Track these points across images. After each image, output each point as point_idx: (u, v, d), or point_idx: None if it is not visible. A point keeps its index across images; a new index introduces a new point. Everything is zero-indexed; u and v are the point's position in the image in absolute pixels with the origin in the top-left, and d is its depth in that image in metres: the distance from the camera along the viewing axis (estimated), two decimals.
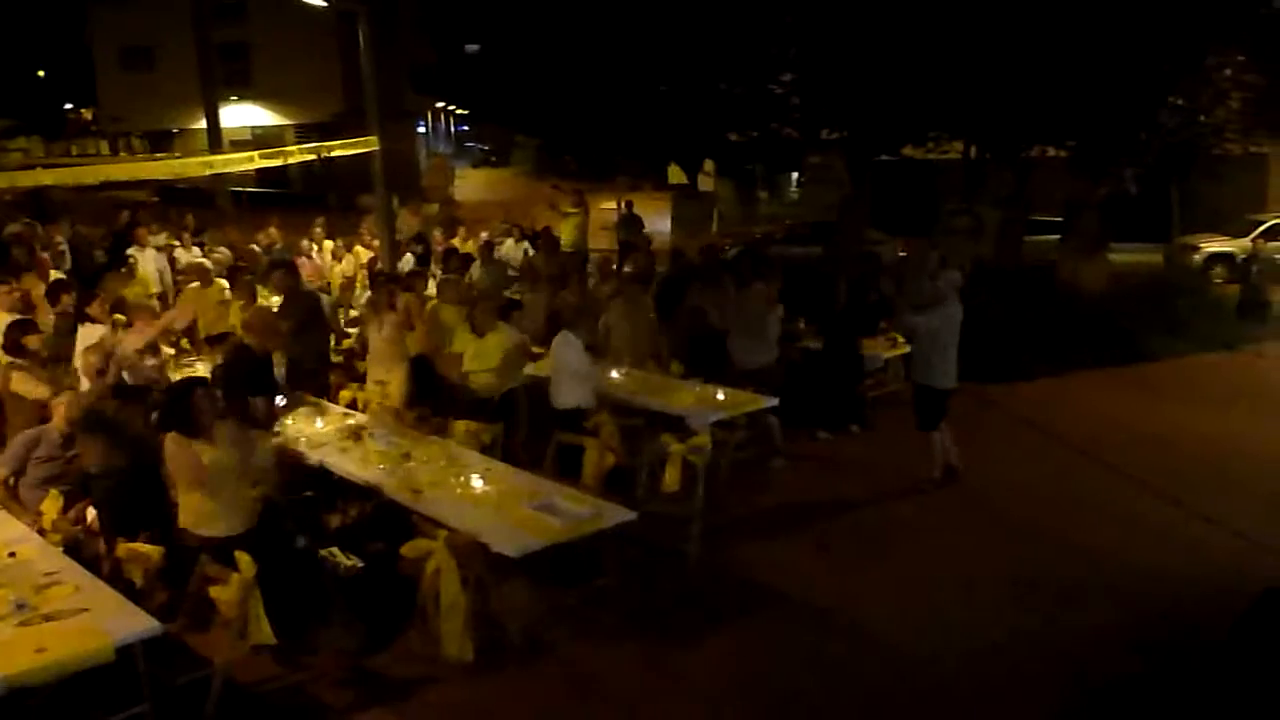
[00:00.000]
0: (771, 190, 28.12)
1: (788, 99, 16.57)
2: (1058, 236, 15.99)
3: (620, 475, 7.09)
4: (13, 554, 5.15)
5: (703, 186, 23.89)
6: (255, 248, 13.08)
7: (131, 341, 7.17)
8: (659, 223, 17.86)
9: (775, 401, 8.18)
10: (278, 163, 14.76)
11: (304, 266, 11.89)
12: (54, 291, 8.89)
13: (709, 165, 23.40)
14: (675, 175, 25.02)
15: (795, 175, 27.18)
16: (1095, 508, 7.79)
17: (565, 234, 15.46)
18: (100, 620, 4.51)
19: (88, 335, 7.56)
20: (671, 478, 6.89)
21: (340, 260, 13.24)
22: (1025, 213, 16.27)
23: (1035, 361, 11.65)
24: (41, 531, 5.62)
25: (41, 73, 43.44)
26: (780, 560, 6.92)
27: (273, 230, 14.75)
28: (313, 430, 7.22)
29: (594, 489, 6.57)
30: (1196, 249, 19.42)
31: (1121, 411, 10.16)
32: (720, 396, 7.93)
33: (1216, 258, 19.13)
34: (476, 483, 6.05)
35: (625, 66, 17.40)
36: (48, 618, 4.52)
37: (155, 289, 11.52)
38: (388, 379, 8.13)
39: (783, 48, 15.85)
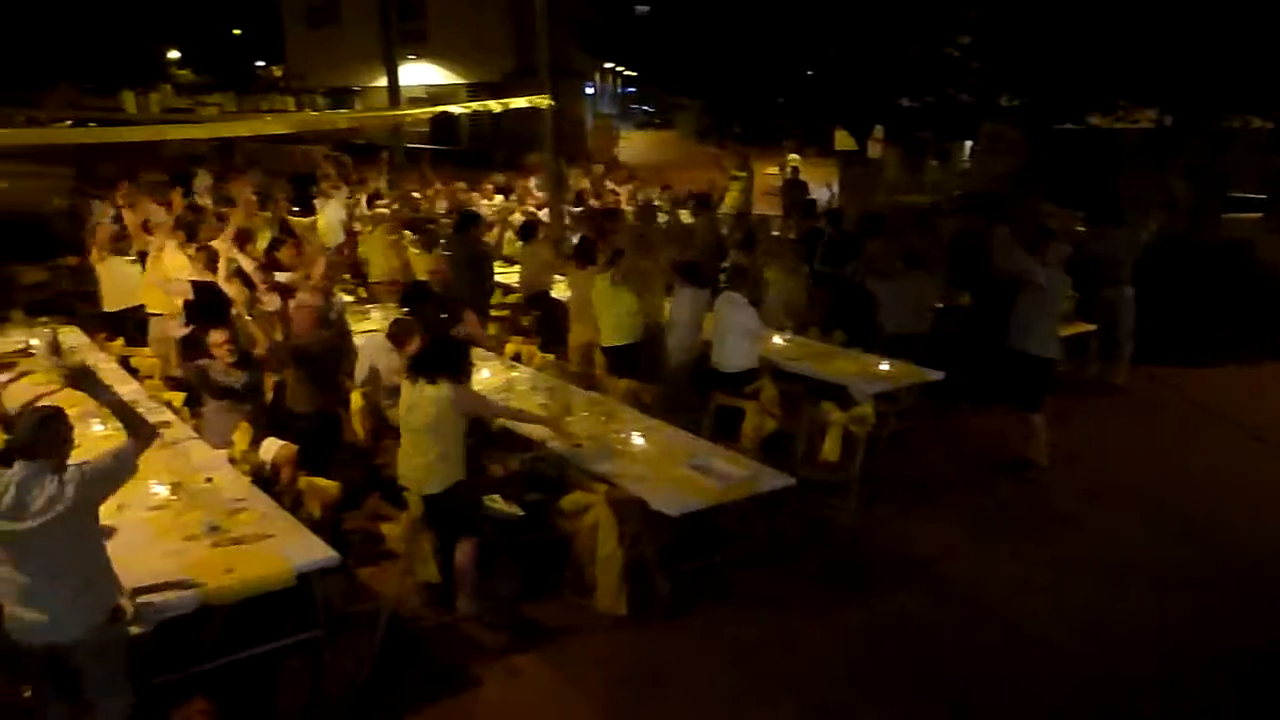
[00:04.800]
0: (941, 159, 27.16)
1: (965, 63, 15.96)
2: (1260, 215, 14.84)
3: (778, 441, 7.05)
4: (209, 479, 5.52)
5: (870, 153, 23.30)
6: (418, 195, 13.52)
7: (304, 297, 7.43)
8: (823, 189, 17.51)
9: (940, 375, 7.94)
10: (453, 110, 15.14)
11: None
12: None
13: (878, 132, 22.79)
14: (841, 141, 24.46)
15: (968, 144, 26.14)
16: (1271, 506, 7.26)
17: (730, 197, 15.34)
18: (283, 547, 4.80)
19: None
20: (831, 447, 6.79)
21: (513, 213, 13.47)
22: (1222, 187, 15.18)
23: (1223, 346, 10.90)
24: (231, 460, 6.00)
25: (236, 31, 45.84)
26: (930, 537, 6.76)
27: (440, 185, 15.16)
28: (478, 381, 7.42)
29: (751, 452, 6.55)
30: None
31: None
32: (884, 367, 7.75)
33: None
34: (636, 440, 6.11)
35: (795, 29, 17.07)
36: (236, 541, 4.84)
37: (337, 238, 12.05)
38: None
39: (962, 8, 15.25)
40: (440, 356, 5.65)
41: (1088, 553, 6.53)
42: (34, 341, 8.15)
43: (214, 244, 8.47)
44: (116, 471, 4.08)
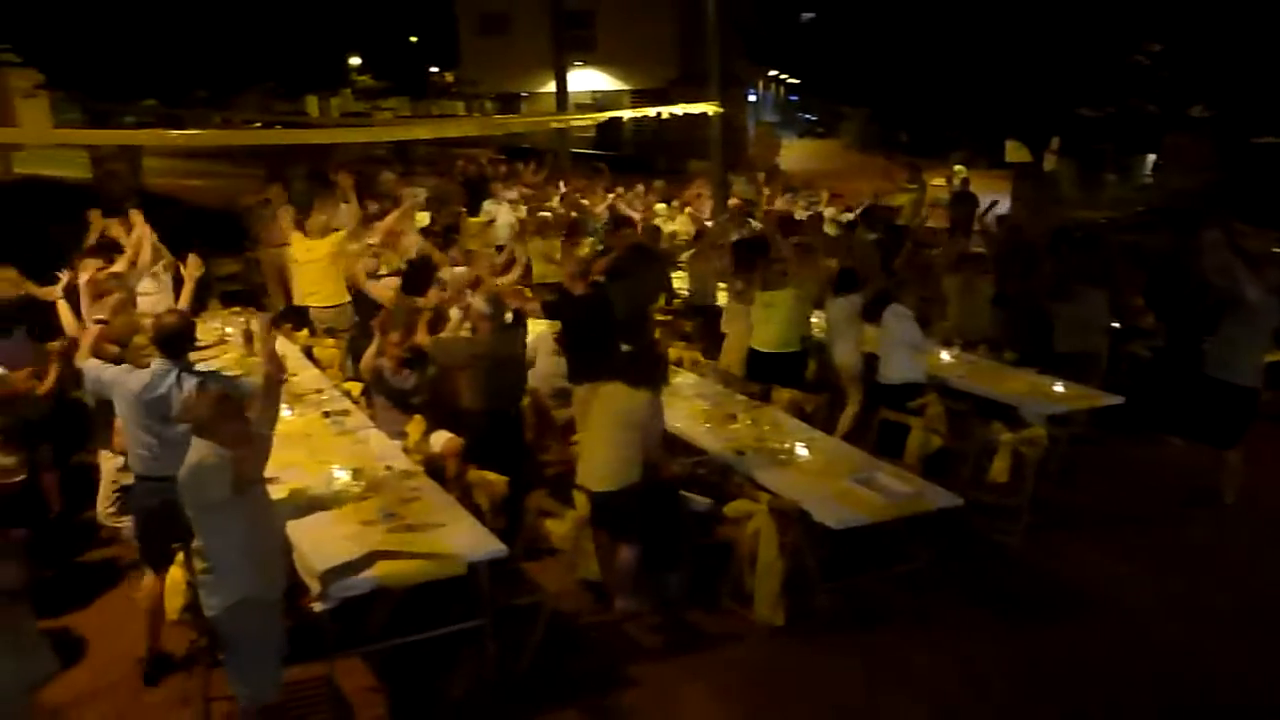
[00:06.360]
0: (1120, 172, 25.90)
1: (1153, 71, 15.19)
2: None
3: (942, 459, 6.85)
4: (389, 467, 5.76)
5: (1045, 166, 22.43)
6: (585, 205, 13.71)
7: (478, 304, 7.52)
8: (986, 199, 16.94)
9: (1119, 400, 7.55)
10: (621, 115, 15.32)
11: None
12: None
13: (1053, 143, 21.93)
14: (1012, 153, 23.65)
15: (1151, 158, 24.85)
16: None
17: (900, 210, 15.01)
18: (454, 536, 4.95)
19: (451, 278, 8.26)
20: (999, 468, 6.55)
21: (674, 219, 13.56)
22: None
23: None
24: (405, 451, 6.23)
25: (413, 39, 47.70)
26: (1102, 567, 6.45)
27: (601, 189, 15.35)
28: None
29: (914, 470, 6.40)
30: None
31: None
32: (1058, 389, 7.42)
33: None
34: (800, 450, 6.06)
35: (970, 35, 16.59)
36: (411, 528, 5.02)
37: (503, 240, 12.35)
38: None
39: (1152, 14, 14.51)
40: (645, 363, 5.82)
41: (1269, 598, 6.10)
42: (229, 330, 8.68)
43: (357, 246, 8.87)
44: (199, 486, 4.14)
